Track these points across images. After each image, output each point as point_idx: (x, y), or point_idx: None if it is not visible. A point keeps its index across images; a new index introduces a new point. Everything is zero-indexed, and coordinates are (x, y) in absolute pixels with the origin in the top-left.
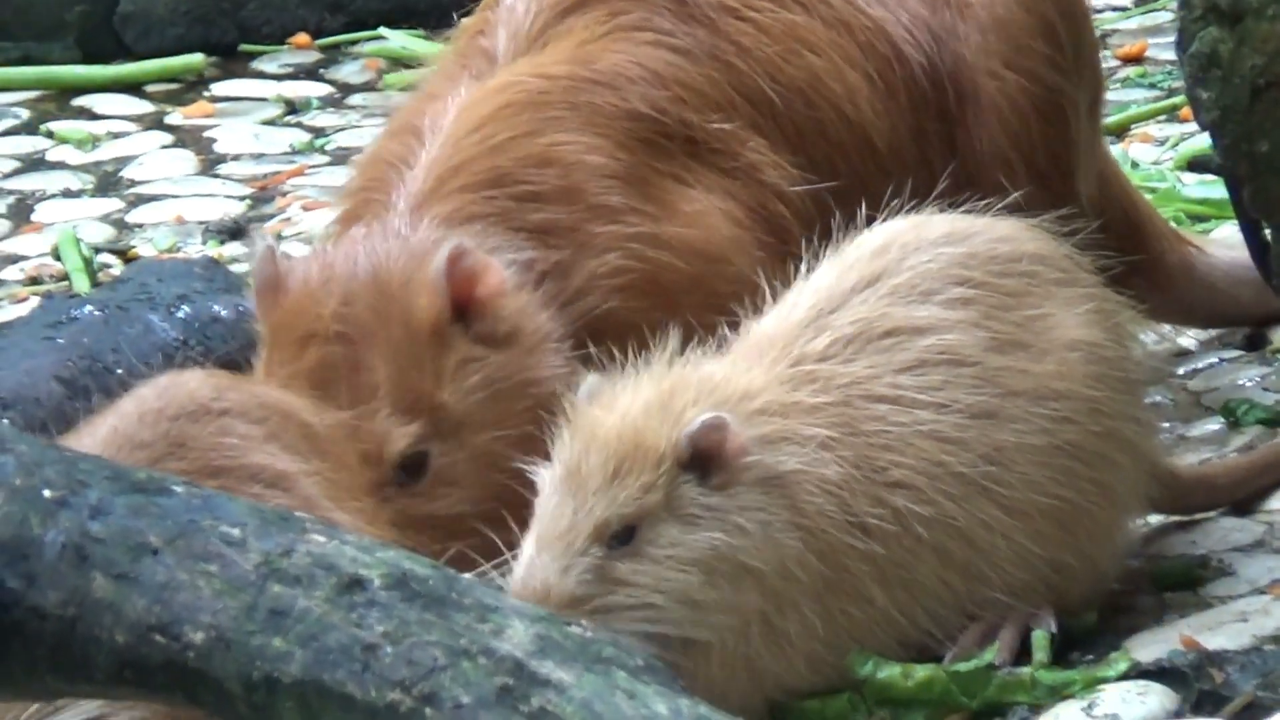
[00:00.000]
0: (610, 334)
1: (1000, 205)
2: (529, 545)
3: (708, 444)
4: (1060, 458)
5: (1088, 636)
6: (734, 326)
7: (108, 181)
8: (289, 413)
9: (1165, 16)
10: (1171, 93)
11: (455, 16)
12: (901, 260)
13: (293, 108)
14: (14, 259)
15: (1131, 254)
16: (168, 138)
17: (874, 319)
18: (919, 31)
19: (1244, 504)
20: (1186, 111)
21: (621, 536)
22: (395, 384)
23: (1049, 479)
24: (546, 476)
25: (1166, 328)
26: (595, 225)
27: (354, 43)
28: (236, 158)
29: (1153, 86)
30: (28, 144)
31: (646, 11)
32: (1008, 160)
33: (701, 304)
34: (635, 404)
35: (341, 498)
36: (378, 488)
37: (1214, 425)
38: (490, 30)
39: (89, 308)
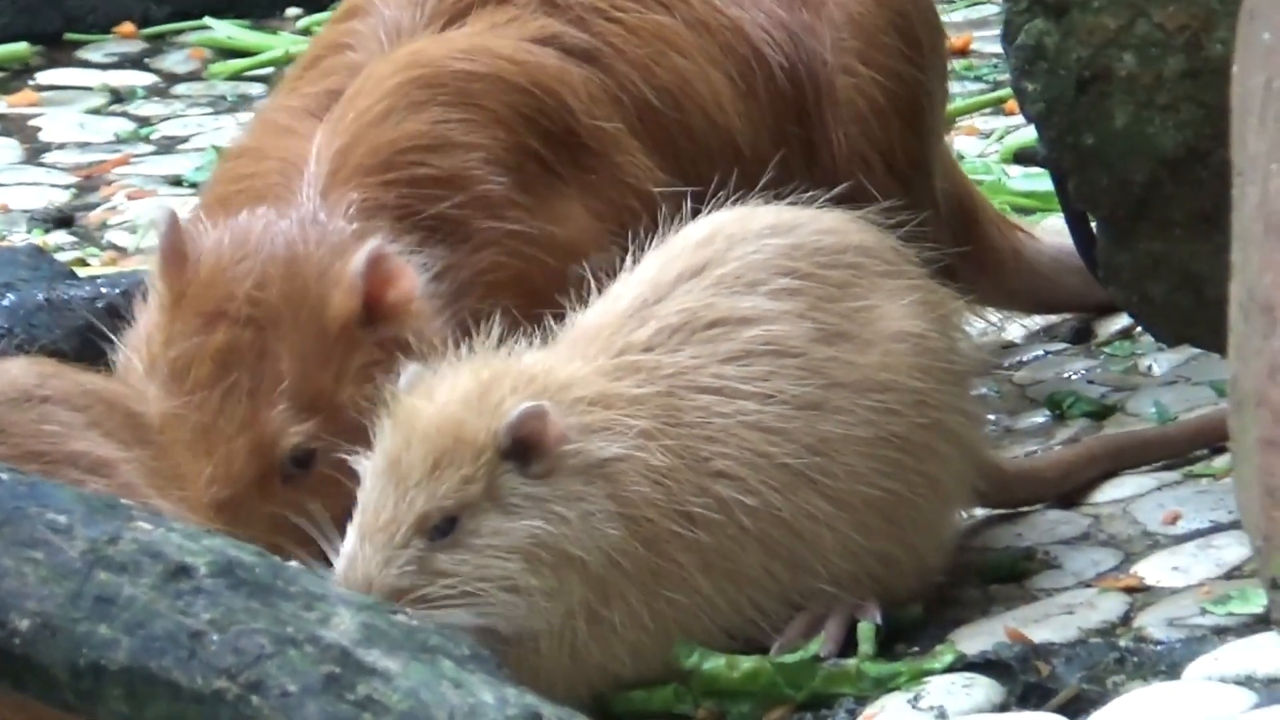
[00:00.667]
0: (478, 325)
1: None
2: (351, 537)
3: (527, 433)
4: (885, 449)
5: (913, 629)
6: (559, 319)
7: None
8: (113, 401)
9: (990, 10)
10: (997, 85)
11: (279, 7)
12: (727, 251)
13: (118, 97)
14: None
15: (964, 241)
16: None
17: (699, 309)
18: (776, 31)
19: (1070, 497)
20: (1012, 104)
21: (443, 528)
22: (298, 378)
23: (874, 470)
24: (368, 467)
25: (994, 319)
26: (478, 219)
27: (179, 32)
28: (62, 146)
29: (978, 79)
30: None
31: (521, 9)
32: (866, 159)
33: (553, 306)
34: (454, 394)
35: (164, 486)
36: (262, 476)
37: (1040, 418)
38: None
39: None
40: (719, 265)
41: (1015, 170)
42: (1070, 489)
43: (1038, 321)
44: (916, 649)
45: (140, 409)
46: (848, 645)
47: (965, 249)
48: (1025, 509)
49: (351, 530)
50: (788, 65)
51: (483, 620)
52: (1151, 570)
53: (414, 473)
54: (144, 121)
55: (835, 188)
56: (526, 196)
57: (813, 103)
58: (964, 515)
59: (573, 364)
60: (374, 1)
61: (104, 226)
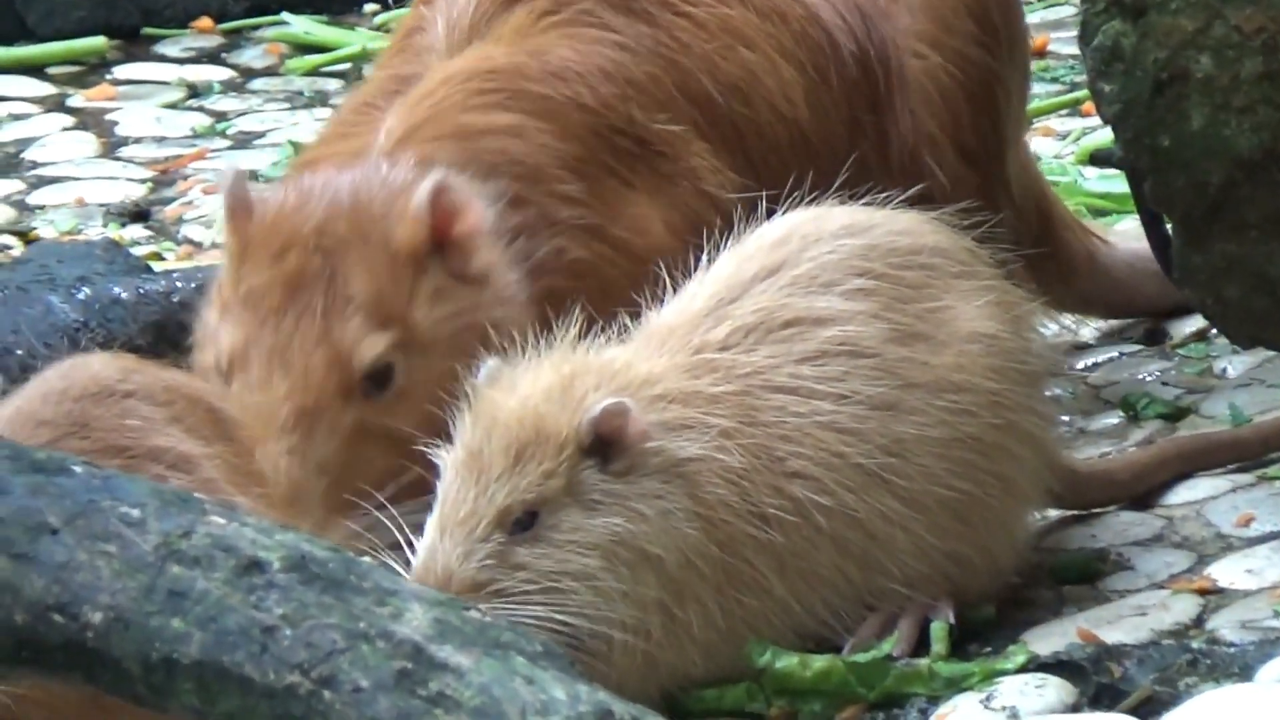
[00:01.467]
0: (554, 312)
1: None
2: (431, 530)
3: (609, 429)
4: (959, 450)
5: (986, 629)
6: (635, 318)
7: (9, 163)
8: (195, 397)
9: (1068, 10)
10: (1074, 87)
11: (357, 3)
12: (802, 251)
13: (195, 91)
14: None
15: (1040, 243)
16: (70, 120)
17: (774, 309)
18: (850, 15)
19: (1143, 499)
20: (1089, 106)
21: (523, 522)
22: (371, 296)
23: (948, 471)
24: (448, 460)
25: (1068, 320)
26: (553, 206)
27: (256, 27)
28: (138, 141)
29: (1055, 80)
30: None
31: (588, 4)
32: (936, 142)
33: (628, 307)
34: (536, 388)
35: (244, 483)
36: (342, 389)
37: (1114, 419)
38: (428, 25)
39: None
40: (794, 266)
41: (1091, 171)
42: (1143, 491)
43: (1112, 323)
44: (989, 649)
45: (221, 405)
46: (920, 645)
47: (1041, 250)
48: (1098, 510)
49: (430, 523)
50: (859, 51)
51: (560, 616)
52: (1224, 572)
53: (495, 466)
54: (220, 117)
55: (907, 175)
56: (599, 202)
57: (884, 89)
58: (1037, 516)
59: (651, 361)
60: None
61: (180, 221)
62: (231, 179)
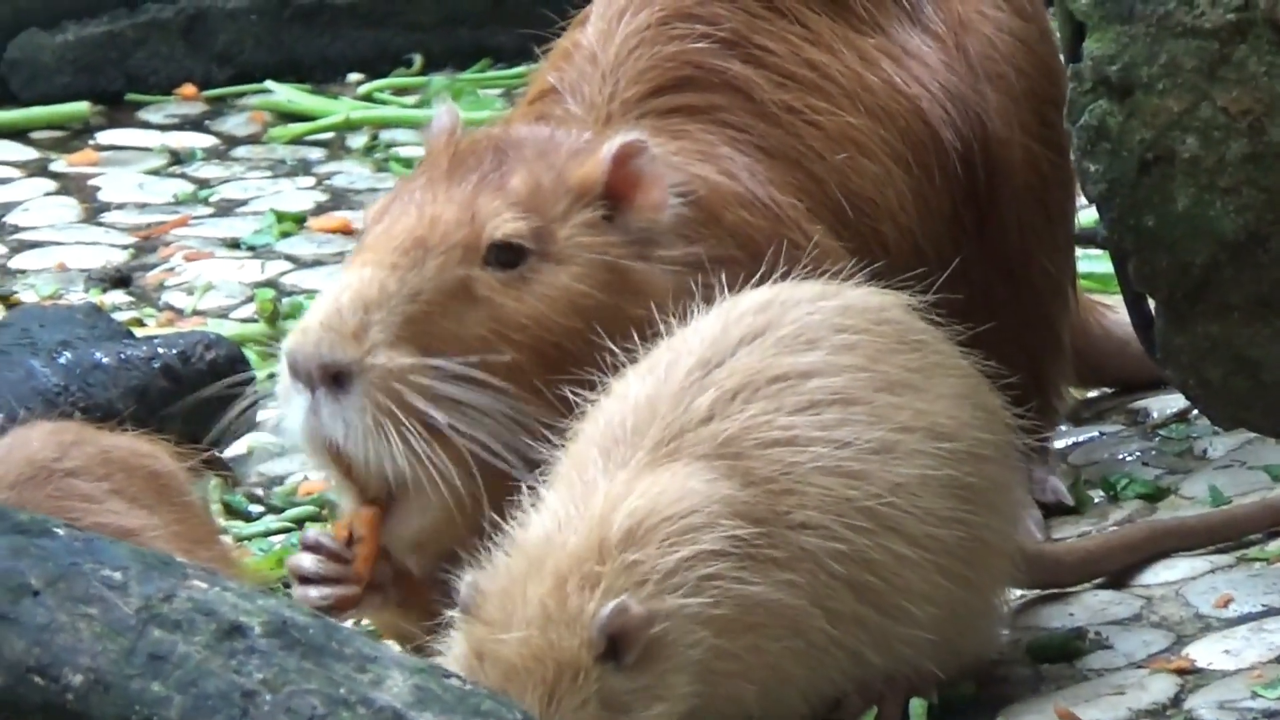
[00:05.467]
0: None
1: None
2: None
3: (616, 630)
4: (957, 494)
5: (965, 706)
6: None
7: None
8: (135, 465)
9: None
10: None
11: (340, 72)
12: (784, 314)
13: (178, 158)
14: None
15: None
16: (52, 185)
17: (760, 369)
18: (952, 105)
19: (1120, 577)
20: None
21: None
22: (528, 192)
23: (949, 513)
24: None
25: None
26: (726, 248)
27: (240, 95)
28: (120, 206)
29: None
30: None
31: (727, 108)
32: (1035, 232)
33: None
34: (532, 614)
35: (189, 549)
36: (467, 248)
37: (1095, 499)
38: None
39: None
40: (778, 328)
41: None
42: (1121, 570)
43: (1097, 404)
44: None
45: (162, 468)
46: None
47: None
48: (1077, 589)
49: None
50: (961, 144)
51: None
52: (1203, 652)
53: (531, 710)
54: (203, 183)
55: (1011, 268)
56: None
57: (984, 179)
58: (1015, 595)
59: (621, 462)
60: (562, 89)
61: (161, 287)
62: (445, 109)
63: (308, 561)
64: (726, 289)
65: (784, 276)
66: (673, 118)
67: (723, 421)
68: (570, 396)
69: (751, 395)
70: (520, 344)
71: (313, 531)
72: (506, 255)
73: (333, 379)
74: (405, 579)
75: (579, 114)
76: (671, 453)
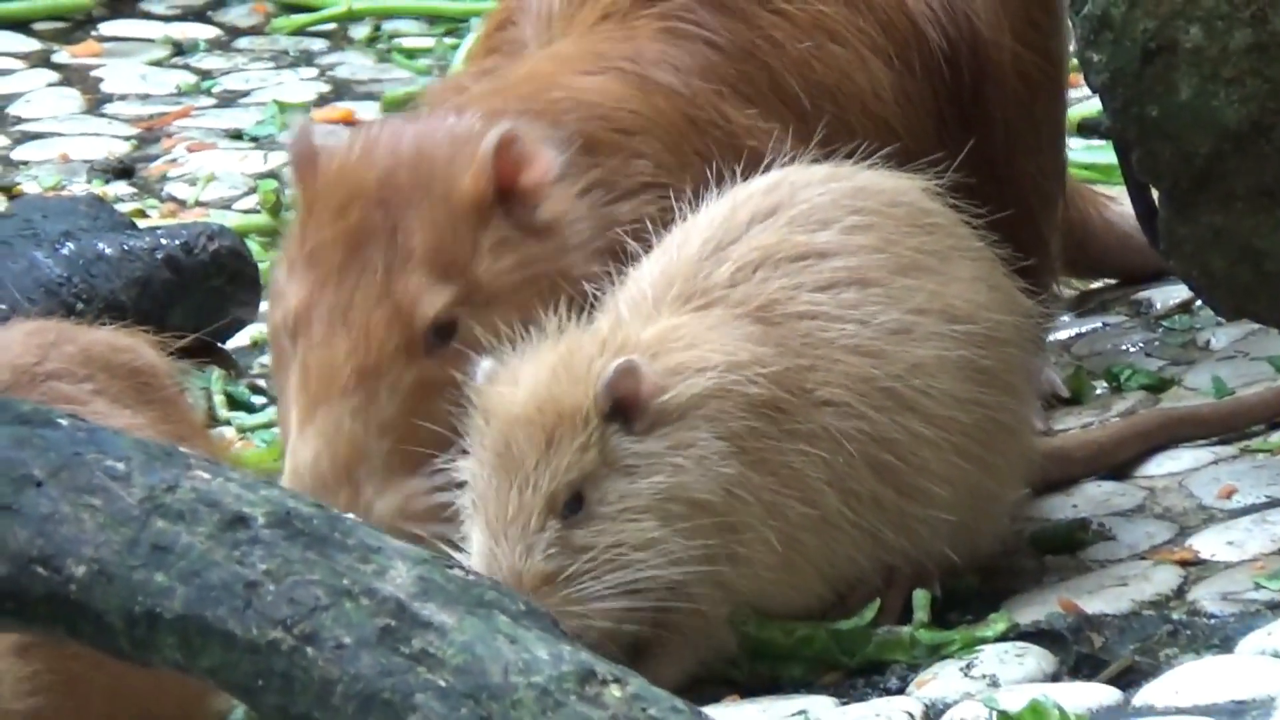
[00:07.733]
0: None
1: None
2: (479, 538)
3: (624, 391)
4: (974, 376)
5: (968, 597)
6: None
7: None
8: (117, 364)
9: None
10: None
11: None
12: (794, 195)
13: (180, 49)
14: None
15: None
16: (55, 76)
17: (778, 245)
18: (938, 2)
19: (1123, 469)
20: (1076, 76)
21: (572, 505)
22: (433, 249)
23: (967, 394)
24: (474, 467)
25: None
26: (632, 163)
27: None
28: (123, 98)
29: None
30: None
31: (684, 1)
32: (1021, 135)
33: None
34: (540, 374)
35: (174, 444)
36: (405, 345)
37: (1097, 389)
38: (519, 19)
39: None
40: (789, 207)
41: (1077, 141)
42: (1125, 461)
43: (1102, 294)
44: (970, 617)
45: (144, 364)
46: (903, 613)
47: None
48: (1080, 481)
49: (477, 531)
50: (946, 42)
51: (635, 585)
52: (1206, 544)
53: (528, 458)
54: (205, 75)
55: (989, 165)
56: (680, 168)
57: (969, 80)
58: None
59: (646, 313)
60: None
61: (164, 179)
62: (299, 129)
63: None
64: (642, 206)
65: (708, 162)
66: (638, 20)
67: (749, 287)
68: None
69: (772, 270)
70: None
71: None
72: (443, 331)
73: None
74: None
75: (533, 34)
76: (703, 305)
